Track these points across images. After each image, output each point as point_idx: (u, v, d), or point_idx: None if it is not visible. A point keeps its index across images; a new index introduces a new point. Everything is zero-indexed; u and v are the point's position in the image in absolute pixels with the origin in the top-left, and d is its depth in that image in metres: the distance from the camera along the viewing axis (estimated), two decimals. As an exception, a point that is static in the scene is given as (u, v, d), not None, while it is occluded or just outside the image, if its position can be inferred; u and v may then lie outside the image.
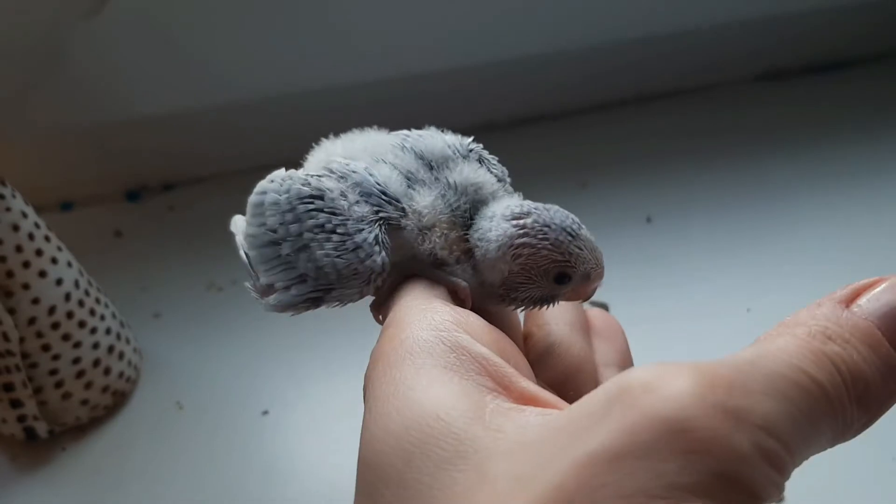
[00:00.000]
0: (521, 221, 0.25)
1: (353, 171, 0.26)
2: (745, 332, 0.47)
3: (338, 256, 0.24)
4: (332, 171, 0.26)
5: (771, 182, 0.58)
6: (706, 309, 0.49)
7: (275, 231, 0.25)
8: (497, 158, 0.29)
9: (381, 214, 0.25)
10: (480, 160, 0.28)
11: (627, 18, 0.60)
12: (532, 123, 0.62)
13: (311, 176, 0.25)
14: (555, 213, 0.25)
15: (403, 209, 0.25)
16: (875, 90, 0.65)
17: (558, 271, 0.25)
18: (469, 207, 0.26)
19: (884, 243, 0.53)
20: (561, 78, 0.61)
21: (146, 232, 0.56)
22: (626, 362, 0.29)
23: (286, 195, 0.25)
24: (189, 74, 0.54)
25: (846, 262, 0.52)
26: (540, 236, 0.25)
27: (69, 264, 0.42)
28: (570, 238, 0.25)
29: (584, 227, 0.26)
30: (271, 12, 0.52)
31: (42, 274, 0.40)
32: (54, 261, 0.41)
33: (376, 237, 0.24)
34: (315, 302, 0.25)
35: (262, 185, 0.26)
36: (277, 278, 0.25)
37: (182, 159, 0.58)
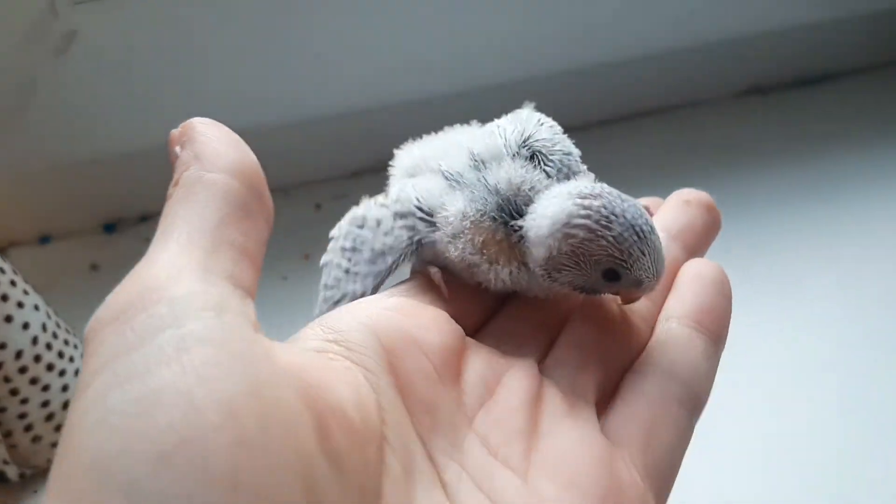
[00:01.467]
0: (588, 202, 0.23)
1: (405, 195, 0.27)
2: (723, 360, 0.48)
3: (330, 298, 0.26)
4: (396, 198, 0.27)
5: (754, 199, 0.58)
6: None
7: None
8: (563, 148, 0.27)
9: (415, 238, 0.26)
10: (533, 156, 0.27)
11: (608, 40, 0.60)
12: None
13: (375, 203, 0.28)
14: (629, 207, 0.23)
15: (433, 223, 0.26)
16: (858, 104, 0.65)
17: (610, 267, 0.23)
18: (508, 204, 0.25)
19: (870, 258, 0.53)
20: (541, 101, 0.61)
21: (123, 264, 0.54)
22: (698, 317, 0.26)
23: (345, 222, 0.28)
24: (162, 108, 0.53)
25: (830, 282, 0.51)
26: (603, 223, 0.23)
27: (36, 307, 0.42)
28: (636, 238, 0.23)
29: (656, 232, 0.24)
30: (243, 46, 0.52)
31: (8, 319, 0.40)
32: (20, 305, 0.41)
33: (366, 290, 0.26)
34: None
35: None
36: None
37: (158, 190, 0.57)
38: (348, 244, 0.27)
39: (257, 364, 0.17)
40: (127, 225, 0.58)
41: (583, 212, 0.23)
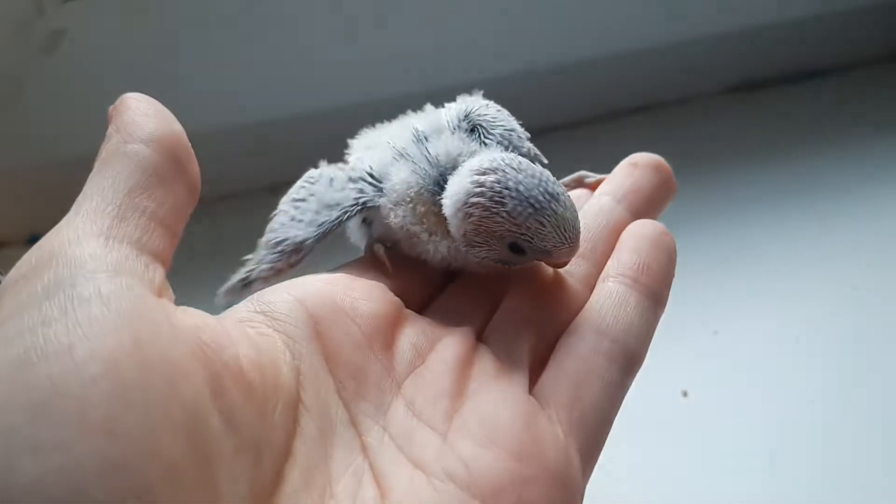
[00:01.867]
0: (482, 178, 0.23)
1: (359, 164, 0.28)
2: (712, 354, 0.48)
3: (271, 240, 0.27)
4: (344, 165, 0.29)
5: (741, 197, 0.58)
6: (672, 331, 0.48)
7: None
8: (506, 125, 0.28)
9: (361, 199, 0.26)
10: (474, 128, 0.27)
11: (596, 36, 0.60)
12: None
13: (332, 167, 0.29)
14: (525, 177, 0.23)
15: (381, 189, 0.26)
16: (847, 100, 0.65)
17: (512, 241, 0.24)
18: (443, 178, 0.25)
19: (858, 260, 0.53)
20: (529, 97, 0.61)
21: None
22: (635, 274, 0.26)
23: (301, 180, 0.29)
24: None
25: (818, 280, 0.52)
26: (497, 199, 0.23)
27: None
28: (531, 210, 0.23)
29: (561, 196, 0.23)
30: (233, 43, 0.52)
31: None
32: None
33: (307, 239, 0.26)
34: (245, 285, 0.27)
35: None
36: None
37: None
38: (299, 195, 0.28)
39: (145, 322, 0.18)
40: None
41: (477, 189, 0.23)
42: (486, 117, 0.28)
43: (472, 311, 0.26)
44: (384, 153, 0.27)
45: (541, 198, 0.23)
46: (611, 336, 0.25)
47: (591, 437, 0.23)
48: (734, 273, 0.52)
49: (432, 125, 0.27)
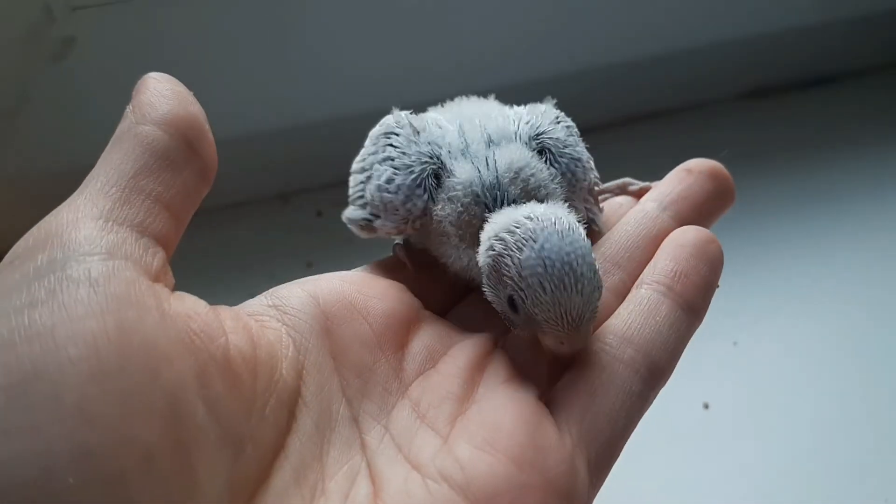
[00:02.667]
0: (523, 222, 0.22)
1: (441, 125, 0.27)
2: (732, 366, 0.47)
3: (385, 191, 0.25)
4: (423, 117, 0.27)
5: (759, 204, 0.57)
6: (691, 342, 0.48)
7: (363, 160, 0.27)
8: (573, 153, 0.27)
9: (438, 158, 0.25)
10: (543, 150, 0.26)
11: (611, 43, 0.59)
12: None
13: (405, 115, 0.27)
14: (559, 240, 0.21)
15: (452, 171, 0.25)
16: (860, 105, 0.65)
17: (510, 294, 0.22)
18: (502, 188, 0.24)
19: (879, 268, 0.52)
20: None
21: None
22: (670, 282, 0.24)
23: (380, 128, 0.28)
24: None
25: (838, 290, 0.51)
26: (518, 244, 0.22)
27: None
28: (540, 269, 0.21)
29: (584, 279, 0.21)
30: (242, 51, 0.52)
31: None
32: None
33: (416, 180, 0.25)
34: (368, 225, 0.27)
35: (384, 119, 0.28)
36: (353, 200, 0.27)
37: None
38: (395, 145, 0.27)
39: (133, 306, 0.18)
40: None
41: (512, 228, 0.22)
42: (555, 141, 0.26)
43: (494, 317, 0.24)
44: (457, 139, 0.26)
45: (558, 264, 0.21)
46: (635, 345, 0.23)
47: (602, 449, 0.22)
48: (753, 283, 0.51)
49: (501, 132, 0.26)
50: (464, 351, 0.23)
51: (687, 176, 0.28)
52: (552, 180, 0.25)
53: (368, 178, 0.27)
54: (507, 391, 0.22)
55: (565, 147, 0.26)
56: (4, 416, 0.16)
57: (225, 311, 0.21)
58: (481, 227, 0.24)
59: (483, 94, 0.56)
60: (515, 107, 0.28)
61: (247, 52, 0.52)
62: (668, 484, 0.41)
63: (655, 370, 0.23)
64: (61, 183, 0.54)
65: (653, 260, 0.25)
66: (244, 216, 0.53)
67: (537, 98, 0.64)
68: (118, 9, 0.49)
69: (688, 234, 0.25)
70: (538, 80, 0.59)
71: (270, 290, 0.23)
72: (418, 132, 0.26)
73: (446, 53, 0.56)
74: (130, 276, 0.18)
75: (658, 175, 0.58)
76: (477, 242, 0.24)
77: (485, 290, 0.23)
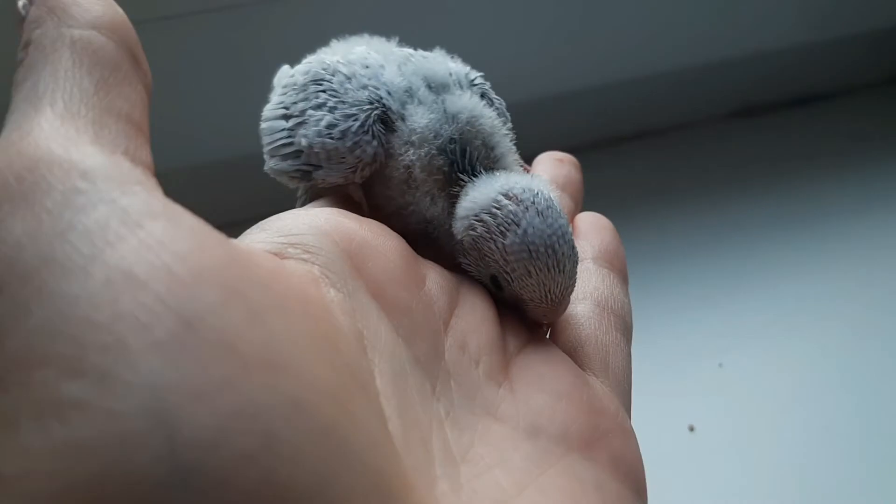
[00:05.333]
0: (503, 202, 0.22)
1: (366, 64, 0.25)
2: (717, 388, 0.47)
3: (328, 136, 0.24)
4: (349, 61, 0.25)
5: (742, 225, 0.58)
6: (677, 365, 0.48)
7: (287, 108, 0.25)
8: (502, 101, 0.27)
9: (380, 102, 0.24)
10: (483, 95, 0.26)
11: (596, 64, 0.60)
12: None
13: (335, 61, 0.25)
14: (542, 220, 0.22)
15: (402, 114, 0.24)
16: (847, 124, 0.65)
17: (493, 272, 0.22)
18: (462, 141, 0.23)
19: (865, 288, 0.52)
20: (530, 124, 0.61)
21: None
22: (609, 258, 0.26)
23: (305, 76, 0.25)
24: (155, 132, 0.53)
25: (824, 310, 0.51)
26: (501, 228, 0.22)
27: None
28: (526, 254, 0.21)
29: (565, 258, 0.22)
30: (238, 68, 0.52)
31: None
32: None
33: (363, 126, 0.23)
34: (304, 175, 0.25)
35: (294, 68, 0.27)
36: (278, 150, 0.25)
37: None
38: (319, 98, 0.25)
39: (223, 240, 0.15)
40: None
41: (493, 209, 0.22)
42: (486, 87, 0.27)
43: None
44: (396, 79, 0.25)
45: (542, 249, 0.22)
46: (612, 310, 0.24)
47: (627, 398, 0.23)
48: (738, 303, 0.52)
49: (437, 78, 0.25)
50: (475, 293, 0.23)
51: (561, 164, 0.30)
52: (505, 133, 0.25)
53: (299, 123, 0.25)
54: (540, 345, 0.22)
55: (495, 95, 0.27)
56: (179, 377, 0.13)
57: (262, 253, 0.18)
58: (448, 178, 0.24)
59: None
60: (421, 50, 0.27)
61: (243, 68, 0.52)
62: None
63: (630, 332, 0.25)
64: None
65: (582, 238, 0.27)
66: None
67: (521, 119, 0.64)
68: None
69: (600, 219, 0.28)
70: (524, 101, 0.59)
71: (264, 225, 0.20)
72: (349, 78, 0.25)
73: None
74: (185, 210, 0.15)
75: (651, 196, 0.59)
76: (444, 191, 0.24)
77: (461, 261, 0.23)
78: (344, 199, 0.25)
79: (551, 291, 0.22)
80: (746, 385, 0.46)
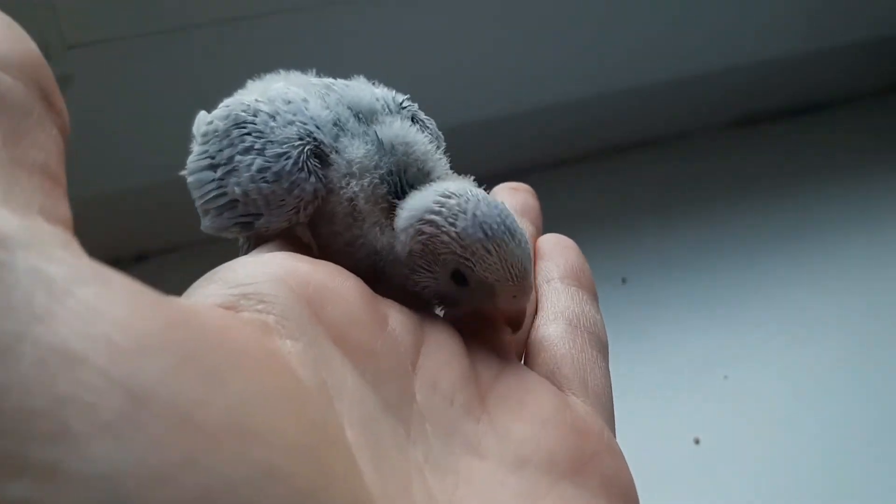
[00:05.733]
0: (444, 200, 0.22)
1: (288, 100, 0.24)
2: (723, 400, 0.48)
3: (262, 181, 0.22)
4: (269, 99, 0.24)
5: (746, 235, 0.58)
6: (682, 378, 0.49)
7: (213, 157, 0.24)
8: (433, 121, 0.27)
9: (311, 137, 0.23)
10: (413, 119, 0.25)
11: (597, 73, 0.60)
12: (501, 179, 0.62)
13: (253, 101, 0.24)
14: (486, 206, 0.22)
15: (336, 148, 0.23)
16: (849, 132, 0.66)
17: (455, 268, 0.22)
18: (398, 170, 0.23)
19: (868, 296, 0.53)
20: (529, 134, 0.61)
21: None
22: (576, 276, 0.26)
23: (225, 121, 0.24)
24: (156, 150, 0.53)
25: (828, 319, 0.51)
26: (450, 220, 0.22)
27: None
28: (480, 234, 0.22)
29: (517, 234, 0.22)
30: (238, 85, 0.52)
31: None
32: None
33: (297, 163, 0.22)
34: (245, 227, 0.24)
35: (211, 113, 0.25)
36: (211, 203, 0.24)
37: (153, 229, 0.58)
38: (245, 142, 0.23)
39: (164, 300, 0.14)
40: (123, 266, 0.57)
41: (436, 208, 0.22)
42: (415, 108, 0.26)
43: (411, 304, 0.23)
44: (322, 112, 0.24)
45: (495, 226, 0.22)
46: (586, 328, 0.24)
47: (609, 415, 0.22)
48: (743, 315, 0.52)
49: (363, 105, 0.24)
50: (439, 329, 0.22)
51: (517, 192, 0.30)
52: (439, 157, 0.25)
53: (228, 172, 0.23)
54: (515, 370, 0.22)
55: (425, 116, 0.26)
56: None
57: (210, 310, 0.17)
58: (391, 206, 0.23)
59: (476, 126, 0.57)
60: (342, 80, 0.27)
61: (242, 84, 0.53)
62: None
63: (606, 349, 0.24)
64: (71, 208, 0.54)
65: (546, 259, 0.27)
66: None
67: (523, 128, 0.64)
68: (113, 46, 0.49)
69: (563, 239, 0.28)
70: (525, 110, 0.60)
71: (213, 276, 0.19)
72: (273, 116, 0.23)
73: (436, 85, 0.56)
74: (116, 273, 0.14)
75: (652, 207, 0.59)
76: (390, 220, 0.23)
77: (414, 278, 0.23)
78: (292, 240, 0.24)
79: (514, 266, 0.22)
80: (751, 397, 0.47)
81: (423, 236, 0.22)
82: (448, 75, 0.56)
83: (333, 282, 0.20)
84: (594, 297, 0.26)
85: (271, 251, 0.22)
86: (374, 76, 0.59)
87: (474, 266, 0.22)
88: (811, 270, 0.55)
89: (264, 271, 0.19)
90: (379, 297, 0.21)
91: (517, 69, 0.58)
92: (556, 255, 0.27)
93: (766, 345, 0.50)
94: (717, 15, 0.60)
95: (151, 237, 0.58)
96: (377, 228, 0.23)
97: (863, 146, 0.64)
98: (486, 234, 0.22)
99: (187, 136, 0.58)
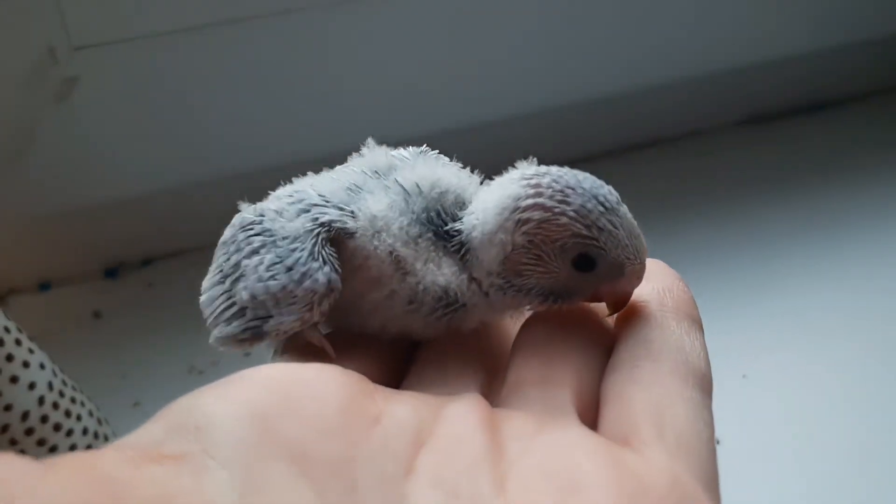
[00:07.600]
0: (536, 180, 0.19)
1: (296, 189, 0.22)
2: (741, 400, 0.47)
3: (271, 278, 0.20)
4: (276, 196, 0.22)
5: (761, 232, 0.57)
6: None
7: (222, 269, 0.22)
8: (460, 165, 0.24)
9: (321, 220, 0.21)
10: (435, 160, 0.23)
11: (606, 73, 0.60)
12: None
13: (258, 205, 0.22)
14: (585, 178, 0.19)
15: (352, 212, 0.21)
16: (859, 130, 0.65)
17: (580, 251, 0.19)
18: (432, 205, 0.21)
19: (887, 293, 0.52)
20: (541, 134, 0.61)
21: (125, 311, 0.55)
22: (664, 297, 0.21)
23: (232, 228, 0.22)
24: (164, 154, 0.53)
25: (849, 318, 0.51)
26: (559, 198, 0.19)
27: (42, 366, 0.41)
28: (601, 209, 0.19)
29: (624, 205, 0.19)
30: (245, 90, 0.52)
31: (13, 379, 0.39)
32: (26, 364, 0.39)
33: (312, 252, 0.20)
34: (256, 333, 0.21)
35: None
36: (221, 317, 0.22)
37: (160, 234, 0.57)
38: (252, 244, 0.21)
39: (36, 476, 0.14)
40: (129, 270, 0.57)
41: (532, 191, 0.19)
42: (437, 155, 0.23)
43: (465, 372, 0.21)
44: (332, 184, 0.22)
45: (610, 198, 0.19)
46: (671, 358, 0.20)
47: (702, 461, 0.18)
48: (761, 314, 0.51)
49: (380, 164, 0.22)
50: (462, 409, 0.19)
51: None
52: (466, 175, 0.22)
53: (236, 280, 0.21)
54: (553, 436, 0.18)
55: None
56: None
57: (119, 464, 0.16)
58: (437, 234, 0.21)
59: (478, 128, 0.57)
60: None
61: (250, 90, 0.52)
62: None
63: (703, 378, 0.20)
64: (66, 223, 0.54)
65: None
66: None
67: (532, 129, 0.64)
68: (120, 48, 0.49)
69: (656, 264, 0.23)
70: (539, 110, 0.59)
71: (163, 413, 0.18)
72: (279, 212, 0.21)
73: (439, 87, 0.56)
74: None
75: (657, 204, 0.58)
76: (442, 248, 0.21)
77: (516, 283, 0.20)
78: (307, 349, 0.21)
79: (637, 238, 0.19)
80: (771, 396, 0.46)
81: (530, 224, 0.19)
82: (460, 75, 0.56)
83: (309, 388, 0.18)
84: (687, 320, 0.21)
85: (281, 360, 0.21)
86: (374, 77, 0.59)
87: (605, 246, 0.19)
88: (827, 266, 0.54)
89: (221, 394, 0.18)
90: (379, 392, 0.19)
91: (526, 70, 0.58)
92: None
93: (785, 344, 0.49)
94: (727, 14, 0.60)
95: (157, 241, 0.58)
96: (431, 264, 0.21)
97: (877, 143, 0.64)
98: (606, 208, 0.19)
99: (195, 139, 0.58)
